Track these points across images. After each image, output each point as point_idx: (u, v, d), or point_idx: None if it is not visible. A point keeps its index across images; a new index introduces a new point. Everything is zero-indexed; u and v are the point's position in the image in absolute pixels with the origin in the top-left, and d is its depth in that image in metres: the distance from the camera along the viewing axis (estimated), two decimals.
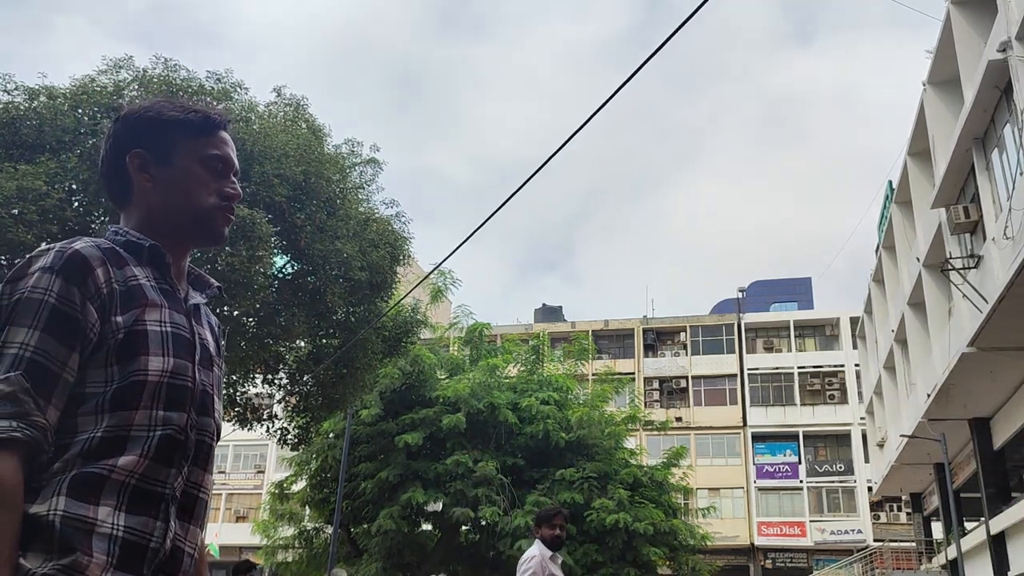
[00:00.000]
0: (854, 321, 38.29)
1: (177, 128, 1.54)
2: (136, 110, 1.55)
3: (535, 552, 4.99)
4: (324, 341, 14.85)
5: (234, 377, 14.77)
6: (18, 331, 1.28)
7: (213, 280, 1.64)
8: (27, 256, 1.37)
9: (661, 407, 42.95)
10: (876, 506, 39.83)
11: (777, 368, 43.64)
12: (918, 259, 20.53)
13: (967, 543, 21.02)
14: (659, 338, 46.33)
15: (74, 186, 11.48)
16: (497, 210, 9.59)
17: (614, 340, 46.40)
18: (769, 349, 44.40)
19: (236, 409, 15.34)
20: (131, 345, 1.37)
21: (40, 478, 1.28)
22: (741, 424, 43.02)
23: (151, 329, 1.41)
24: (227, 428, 17.01)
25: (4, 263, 11.50)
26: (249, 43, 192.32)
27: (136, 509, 1.33)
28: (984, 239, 15.73)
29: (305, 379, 15.08)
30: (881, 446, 29.12)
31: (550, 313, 50.00)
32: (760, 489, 41.73)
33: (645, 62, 7.25)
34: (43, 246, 1.37)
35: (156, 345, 1.40)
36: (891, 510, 39.74)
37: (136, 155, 1.52)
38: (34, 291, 1.31)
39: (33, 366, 1.27)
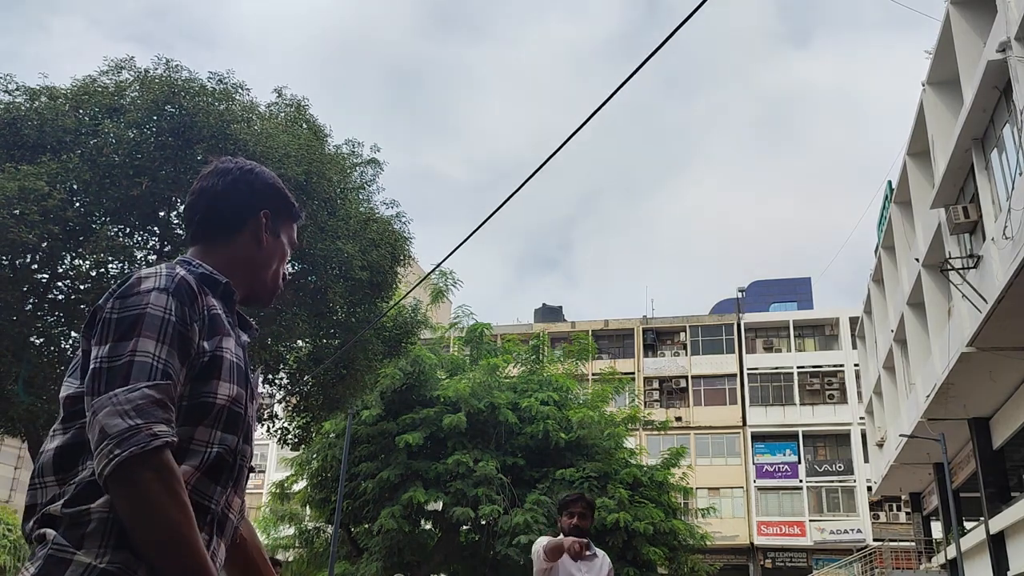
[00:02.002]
0: (854, 321, 38.31)
1: (291, 211, 1.75)
2: (268, 175, 1.73)
3: (544, 540, 4.55)
4: (325, 341, 14.87)
5: None
6: (148, 342, 1.35)
7: (252, 321, 1.73)
8: (132, 276, 1.44)
9: (661, 407, 42.99)
10: (876, 506, 39.85)
11: (777, 368, 43.66)
12: (917, 259, 20.55)
13: (966, 543, 21.04)
14: (659, 338, 46.36)
15: (75, 186, 11.49)
16: (497, 210, 9.62)
17: (614, 340, 46.42)
18: (769, 349, 44.42)
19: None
20: (210, 369, 1.47)
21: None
22: (741, 424, 43.05)
23: (226, 357, 1.51)
24: None
25: (5, 263, 11.52)
26: (248, 44, 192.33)
27: (215, 533, 1.47)
28: (983, 239, 15.75)
29: (306, 379, 15.10)
30: (881, 446, 29.14)
31: (550, 313, 50.02)
32: (760, 489, 41.75)
33: (645, 62, 7.27)
34: (145, 269, 1.45)
35: (227, 372, 1.50)
36: (891, 510, 39.76)
37: (267, 215, 1.68)
38: (155, 308, 1.38)
39: (166, 377, 1.36)
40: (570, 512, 4.56)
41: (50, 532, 1.31)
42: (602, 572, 4.50)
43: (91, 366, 1.35)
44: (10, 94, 11.83)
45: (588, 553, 4.50)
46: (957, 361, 16.44)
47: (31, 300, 12.16)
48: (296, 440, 16.47)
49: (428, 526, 22.19)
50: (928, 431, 20.51)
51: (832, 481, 41.34)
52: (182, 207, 13.30)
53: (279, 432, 16.08)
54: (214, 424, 1.46)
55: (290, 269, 13.63)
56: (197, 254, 1.62)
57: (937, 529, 28.39)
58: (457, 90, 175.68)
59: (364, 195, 14.81)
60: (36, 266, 12.06)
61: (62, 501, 1.33)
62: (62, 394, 1.45)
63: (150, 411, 1.30)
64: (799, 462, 41.90)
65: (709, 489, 40.47)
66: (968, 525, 22.52)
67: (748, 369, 43.90)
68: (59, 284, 12.51)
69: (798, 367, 43.36)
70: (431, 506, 20.42)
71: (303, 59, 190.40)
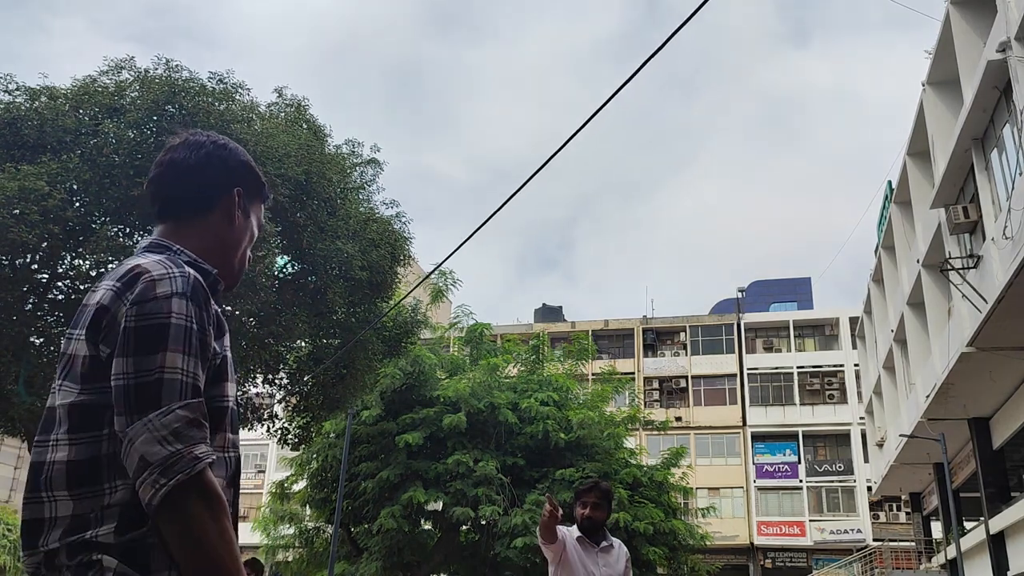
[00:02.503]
0: (853, 321, 38.33)
1: (259, 189, 1.67)
2: (241, 152, 1.64)
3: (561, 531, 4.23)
4: (325, 341, 14.87)
5: (235, 377, 14.78)
6: (175, 356, 1.30)
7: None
8: (140, 278, 1.35)
9: (661, 407, 43.00)
10: (875, 506, 39.87)
11: (777, 368, 43.68)
12: (917, 259, 20.56)
13: (966, 543, 21.04)
14: (659, 338, 46.37)
15: (75, 186, 11.49)
16: (497, 210, 9.63)
17: (614, 340, 46.44)
18: (769, 349, 44.44)
19: (237, 409, 15.34)
20: (222, 371, 1.44)
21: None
22: (741, 424, 43.06)
23: (228, 356, 1.48)
24: None
25: (5, 263, 11.52)
26: (248, 44, 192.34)
27: None
28: (983, 239, 15.75)
29: (306, 379, 15.10)
30: (880, 446, 29.15)
31: (550, 313, 50.04)
32: (760, 489, 41.76)
33: (645, 62, 7.27)
34: (157, 271, 1.36)
35: (232, 371, 1.48)
36: (891, 510, 39.78)
37: (240, 193, 1.60)
38: (178, 317, 1.32)
39: (198, 392, 1.32)
40: (583, 502, 4.32)
41: (109, 559, 1.26)
42: (619, 563, 4.28)
43: (116, 382, 1.29)
44: (10, 94, 11.83)
45: (605, 544, 4.28)
46: (957, 361, 16.44)
47: (31, 300, 12.16)
48: (296, 440, 16.47)
49: (428, 526, 22.20)
50: (928, 431, 20.51)
51: (832, 481, 41.35)
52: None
53: (279, 432, 16.08)
54: (229, 428, 1.45)
55: (290, 269, 13.68)
56: (168, 234, 1.53)
57: (937, 529, 28.40)
58: (457, 90, 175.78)
59: (364, 195, 14.82)
60: (36, 266, 12.06)
61: (112, 527, 1.27)
62: (61, 400, 1.35)
63: (188, 434, 1.27)
64: (799, 462, 41.92)
65: (709, 489, 40.49)
66: (968, 525, 22.52)
67: (748, 369, 43.92)
68: (59, 284, 12.51)
69: (798, 367, 43.37)
70: (431, 506, 20.43)
71: (303, 59, 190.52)
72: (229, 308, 12.76)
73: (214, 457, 1.31)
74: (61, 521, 1.29)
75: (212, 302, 1.43)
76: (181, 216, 1.55)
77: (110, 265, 12.13)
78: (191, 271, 1.40)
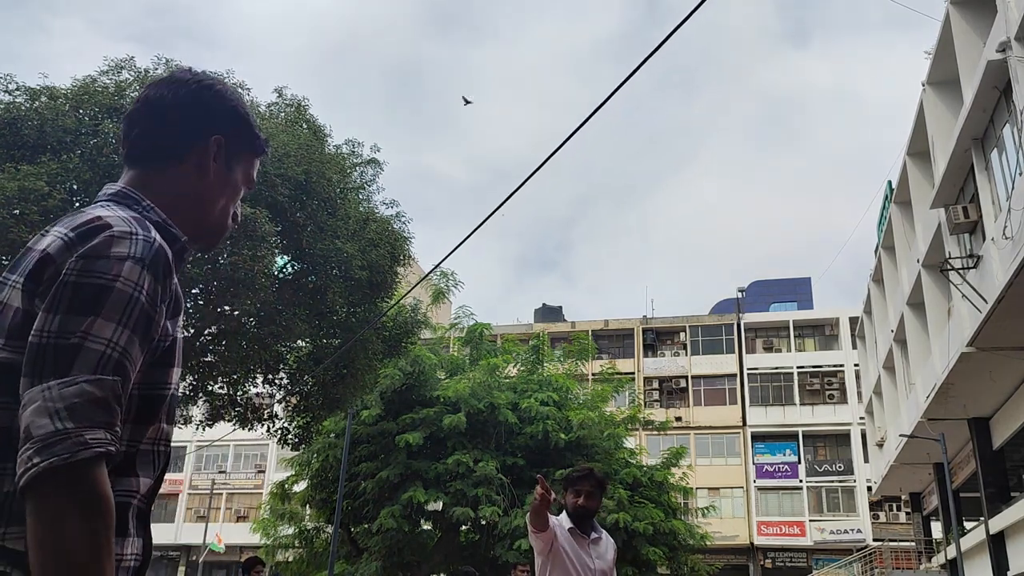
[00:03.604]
0: (853, 321, 38.33)
1: (251, 141, 1.47)
2: (230, 95, 1.44)
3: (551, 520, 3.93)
4: (324, 341, 14.88)
5: (235, 377, 14.80)
6: (106, 326, 1.11)
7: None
8: (101, 232, 1.17)
9: (661, 407, 43.00)
10: (875, 506, 39.87)
11: (777, 368, 43.68)
12: (917, 259, 20.56)
13: (966, 543, 21.05)
14: (659, 338, 46.37)
15: (75, 186, 11.50)
16: (496, 210, 9.63)
17: (614, 340, 46.44)
18: (769, 349, 44.44)
19: (237, 409, 15.36)
20: (169, 355, 1.27)
21: None
22: (741, 424, 43.06)
23: (179, 338, 1.31)
24: (228, 428, 17.08)
25: (5, 263, 11.53)
26: (248, 44, 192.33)
27: (141, 532, 1.24)
28: (983, 239, 15.75)
29: (306, 379, 15.11)
30: (880, 446, 29.16)
31: (550, 313, 50.05)
32: (760, 489, 41.77)
33: (644, 62, 7.28)
34: (120, 227, 1.18)
35: (180, 356, 1.31)
36: (891, 510, 39.78)
37: (218, 142, 1.40)
38: (125, 283, 1.14)
39: (120, 370, 1.12)
40: (576, 490, 4.07)
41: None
42: (608, 554, 4.12)
43: (32, 338, 1.10)
44: (10, 94, 11.84)
45: (595, 535, 4.09)
46: (957, 361, 16.44)
47: None
48: (296, 440, 16.47)
49: (428, 526, 22.20)
50: (928, 431, 20.52)
51: (832, 481, 41.36)
52: None
53: (279, 432, 16.08)
54: (164, 419, 1.27)
55: (290, 269, 13.69)
56: (136, 182, 1.36)
57: (937, 529, 28.40)
58: (457, 90, 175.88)
59: (364, 195, 14.83)
60: None
61: (22, 529, 1.07)
62: None
63: (86, 413, 1.06)
64: (799, 462, 41.92)
65: (709, 489, 40.49)
66: (968, 525, 22.53)
67: (748, 369, 43.92)
68: None
69: (798, 367, 43.38)
70: (431, 506, 20.43)
71: (303, 59, 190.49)
72: (228, 308, 12.77)
73: (112, 448, 1.08)
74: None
75: (173, 276, 1.25)
76: (148, 163, 1.38)
77: None
78: (157, 237, 1.22)
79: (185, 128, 1.38)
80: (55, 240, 1.18)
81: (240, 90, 12.86)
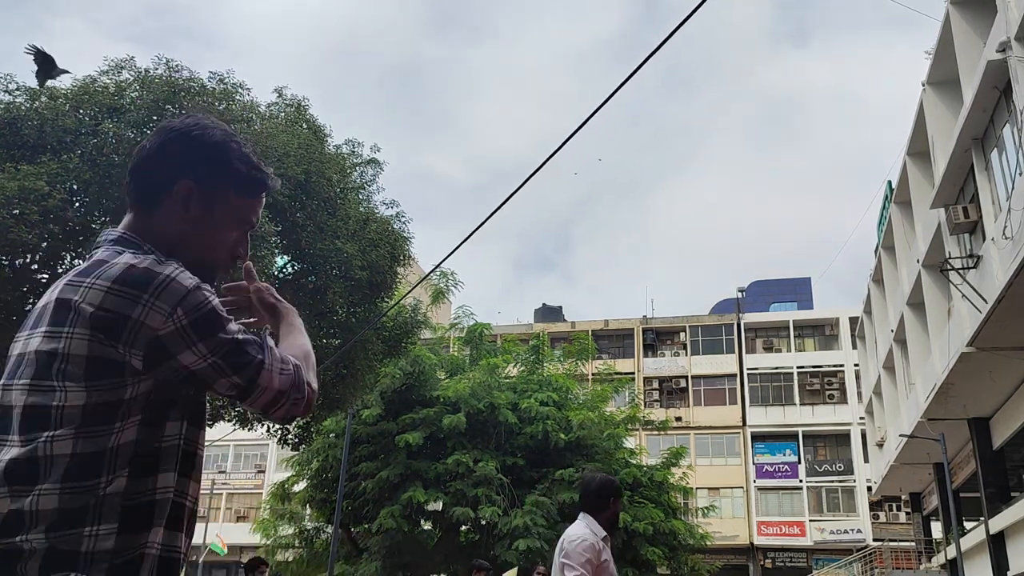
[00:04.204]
0: (853, 321, 38.33)
1: (236, 180, 1.56)
2: (209, 138, 1.55)
3: (585, 532, 3.89)
4: (324, 341, 14.88)
5: None
6: (231, 324, 1.41)
7: None
8: (162, 280, 1.37)
9: (661, 407, 43.00)
10: (875, 506, 39.87)
11: (777, 368, 43.68)
12: (917, 259, 20.56)
13: (966, 543, 21.04)
14: (659, 338, 46.37)
15: (75, 186, 11.50)
16: (496, 210, 9.63)
17: (614, 340, 46.44)
18: (769, 349, 44.44)
19: (237, 409, 15.37)
20: None
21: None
22: (741, 424, 43.06)
23: None
24: (227, 428, 17.08)
25: (5, 263, 11.53)
26: (247, 44, 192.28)
27: (170, 525, 1.46)
28: (983, 239, 15.75)
29: None
30: (880, 446, 29.16)
31: (550, 313, 50.05)
32: (760, 489, 41.77)
33: (644, 62, 7.28)
34: (167, 270, 1.38)
35: None
36: (890, 510, 39.78)
37: (187, 187, 1.51)
38: (211, 297, 1.41)
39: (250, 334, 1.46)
40: (619, 500, 4.16)
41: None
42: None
43: (198, 366, 1.37)
44: (10, 94, 11.84)
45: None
46: (957, 361, 16.44)
47: (31, 300, 12.17)
48: (296, 440, 16.48)
49: (428, 526, 22.20)
50: (928, 431, 20.51)
51: (832, 481, 41.36)
52: None
53: (279, 432, 16.09)
54: (191, 421, 1.51)
55: (290, 269, 13.69)
56: (131, 226, 1.52)
57: (937, 529, 28.41)
58: (457, 90, 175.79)
59: (364, 195, 14.83)
60: (36, 266, 12.07)
61: (113, 526, 1.30)
62: (70, 402, 1.33)
63: (282, 356, 1.47)
64: (799, 462, 41.92)
65: (709, 489, 40.49)
66: (968, 525, 22.53)
67: (748, 369, 43.92)
68: None
69: (798, 367, 43.38)
70: (431, 506, 20.43)
71: (303, 59, 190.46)
72: None
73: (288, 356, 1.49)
74: (45, 515, 1.27)
75: None
76: (140, 208, 1.53)
77: None
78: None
79: (157, 176, 1.51)
80: (105, 296, 1.34)
81: (240, 90, 12.87)
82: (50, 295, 1.41)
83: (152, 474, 1.36)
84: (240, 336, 1.41)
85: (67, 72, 10.32)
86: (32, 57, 9.75)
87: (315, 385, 1.52)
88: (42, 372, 1.34)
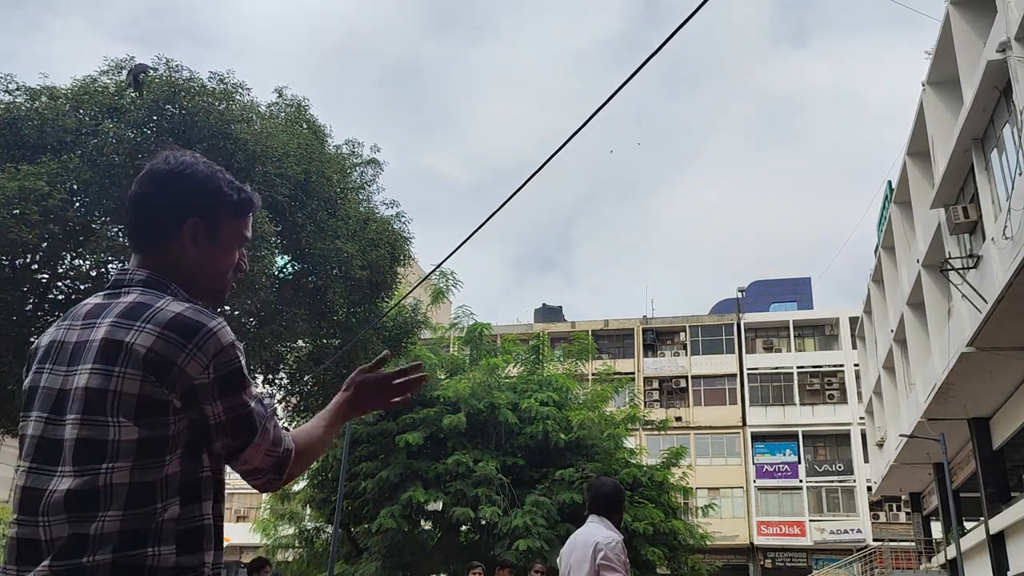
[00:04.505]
0: (853, 321, 38.33)
1: (231, 207, 1.68)
2: (200, 175, 1.65)
3: (615, 534, 4.04)
4: (324, 341, 14.88)
5: None
6: (250, 389, 1.57)
7: None
8: (205, 332, 1.51)
9: (661, 407, 42.99)
10: (875, 506, 39.87)
11: (777, 368, 43.68)
12: (917, 259, 20.56)
13: (966, 543, 21.05)
14: (659, 338, 46.37)
15: (75, 186, 11.50)
16: (497, 210, 9.63)
17: (614, 340, 46.44)
18: (769, 349, 44.43)
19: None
20: None
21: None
22: (741, 424, 43.06)
23: None
24: None
25: (5, 263, 11.52)
26: (247, 44, 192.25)
27: (219, 545, 1.64)
28: (983, 239, 15.75)
29: (306, 379, 15.12)
30: (880, 446, 29.16)
31: (550, 313, 50.04)
32: (760, 489, 41.77)
33: (645, 62, 7.28)
34: (211, 323, 1.53)
35: None
36: (890, 510, 39.78)
37: (193, 224, 1.63)
38: (240, 359, 1.55)
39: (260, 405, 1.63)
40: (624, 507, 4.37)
41: None
42: None
43: (214, 421, 1.51)
44: (10, 94, 11.84)
45: None
46: (957, 361, 16.44)
47: (31, 300, 12.17)
48: None
49: (428, 526, 22.19)
50: (928, 431, 20.52)
51: (832, 481, 41.36)
52: None
53: None
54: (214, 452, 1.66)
55: (290, 269, 13.69)
56: (149, 265, 1.62)
57: (937, 529, 28.41)
58: (457, 90, 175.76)
59: (364, 195, 14.84)
60: (36, 266, 12.07)
61: (172, 548, 1.45)
62: (124, 436, 1.44)
63: (278, 435, 1.59)
64: (799, 462, 41.92)
65: (709, 489, 40.48)
66: (968, 525, 22.53)
67: (748, 369, 43.92)
68: (59, 284, 12.51)
69: (798, 367, 43.38)
70: (431, 506, 20.41)
71: (303, 59, 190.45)
72: (228, 308, 12.76)
73: (289, 431, 1.64)
74: (109, 538, 1.41)
75: None
76: (150, 249, 1.63)
77: (110, 265, 12.12)
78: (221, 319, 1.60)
79: (162, 219, 1.62)
80: (159, 340, 1.47)
81: (240, 90, 12.87)
82: (89, 333, 1.52)
83: (197, 502, 1.50)
84: (252, 404, 1.55)
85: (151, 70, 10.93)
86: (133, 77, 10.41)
87: (296, 473, 1.65)
88: (94, 408, 1.45)
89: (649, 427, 28.90)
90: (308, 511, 23.97)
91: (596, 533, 4.06)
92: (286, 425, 16.28)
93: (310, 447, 1.68)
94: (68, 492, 1.41)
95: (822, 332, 44.64)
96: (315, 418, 1.76)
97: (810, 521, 40.47)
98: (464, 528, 21.33)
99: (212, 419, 1.50)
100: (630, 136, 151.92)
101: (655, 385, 44.98)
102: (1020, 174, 13.52)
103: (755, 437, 42.74)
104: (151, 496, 1.44)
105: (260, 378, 15.24)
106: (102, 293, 1.60)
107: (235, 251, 1.70)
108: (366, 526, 21.58)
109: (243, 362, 1.55)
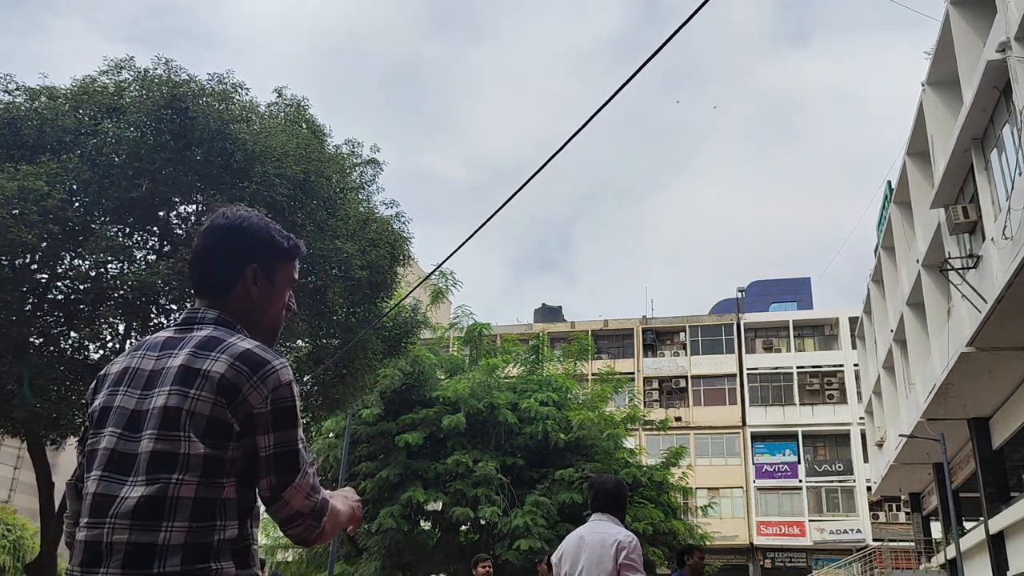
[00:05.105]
0: (853, 321, 38.32)
1: (282, 254, 1.89)
2: (256, 227, 1.86)
3: (631, 534, 4.02)
4: (324, 341, 14.87)
5: None
6: (299, 430, 1.69)
7: None
8: (267, 367, 1.67)
9: (661, 407, 42.98)
10: (875, 506, 39.87)
11: (776, 368, 43.67)
12: (917, 260, 20.55)
13: (966, 543, 21.04)
14: (658, 338, 46.36)
15: (75, 186, 11.49)
16: (497, 211, 9.62)
17: (613, 340, 46.43)
18: (768, 349, 44.43)
19: None
20: None
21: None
22: (740, 424, 43.06)
23: None
24: None
25: (5, 263, 11.52)
26: (247, 44, 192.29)
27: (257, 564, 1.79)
28: (983, 239, 15.75)
29: (305, 379, 15.10)
30: (880, 446, 29.15)
31: (550, 313, 50.03)
32: (759, 489, 41.76)
33: (645, 63, 7.28)
34: (275, 361, 1.69)
35: None
36: (890, 510, 39.78)
37: (253, 270, 1.83)
38: (295, 400, 1.70)
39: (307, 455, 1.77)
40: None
41: None
42: None
43: (263, 452, 1.64)
44: (10, 94, 11.84)
45: None
46: (957, 361, 16.43)
47: (31, 300, 12.16)
48: None
49: (427, 526, 22.20)
50: (928, 431, 20.51)
51: (832, 481, 41.36)
52: (182, 207, 13.32)
53: None
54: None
55: None
56: (216, 306, 1.81)
57: (937, 529, 28.39)
58: (457, 90, 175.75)
59: (363, 195, 14.83)
60: (36, 266, 12.06)
61: (231, 562, 1.60)
62: (193, 451, 1.59)
63: (317, 484, 1.70)
64: (799, 462, 41.92)
65: (709, 489, 40.48)
66: (968, 525, 22.52)
67: (748, 369, 43.91)
68: (59, 284, 12.50)
69: (798, 367, 43.37)
70: (431, 506, 20.42)
71: (303, 59, 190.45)
72: None
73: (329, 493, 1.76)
74: (175, 549, 1.55)
75: None
76: (212, 294, 1.82)
77: (110, 265, 12.11)
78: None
79: (225, 269, 1.82)
80: (230, 368, 1.64)
81: (239, 90, 12.86)
82: (166, 361, 1.69)
83: (248, 527, 1.65)
84: (299, 445, 1.68)
85: None
86: None
87: (328, 533, 1.74)
88: (170, 424, 1.61)
89: (649, 427, 28.90)
90: None
91: (613, 531, 3.97)
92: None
93: (335, 512, 1.77)
94: (139, 499, 1.55)
95: (822, 332, 44.65)
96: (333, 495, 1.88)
97: (810, 521, 40.47)
98: (464, 528, 21.34)
99: (262, 451, 1.64)
100: (630, 137, 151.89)
101: (655, 385, 44.98)
102: (1020, 174, 13.52)
103: (755, 437, 42.73)
104: (212, 513, 1.58)
105: None
106: (173, 328, 1.78)
107: (287, 292, 1.90)
108: (366, 526, 21.57)
109: (297, 403, 1.69)
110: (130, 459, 1.60)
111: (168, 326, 1.83)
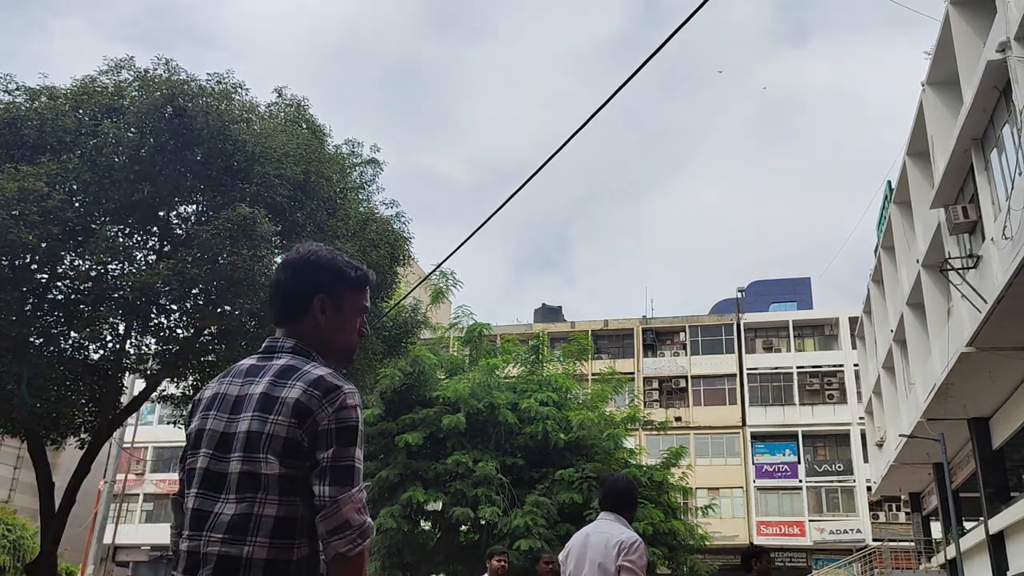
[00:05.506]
0: (853, 321, 38.31)
1: (350, 283, 2.04)
2: (323, 260, 2.02)
3: (635, 535, 3.97)
4: None
5: None
6: (358, 451, 1.84)
7: None
8: (337, 391, 1.83)
9: (660, 407, 42.98)
10: (875, 506, 39.86)
11: (776, 368, 43.66)
12: (917, 260, 20.55)
13: (966, 543, 21.04)
14: (658, 338, 46.36)
15: (75, 187, 11.49)
16: (496, 211, 9.63)
17: (613, 340, 46.43)
18: (768, 349, 44.43)
19: None
20: None
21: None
22: (740, 424, 43.06)
23: None
24: None
25: (5, 263, 11.52)
26: (247, 44, 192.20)
27: None
28: (983, 239, 15.75)
29: None
30: (880, 446, 29.15)
31: (550, 313, 50.02)
32: (759, 489, 41.76)
33: (645, 63, 7.28)
34: (345, 386, 1.86)
35: None
36: (890, 510, 39.77)
37: (321, 299, 1.99)
38: (359, 423, 1.86)
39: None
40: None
41: None
42: None
43: (324, 463, 1.77)
44: (10, 94, 11.83)
45: None
46: (957, 361, 16.43)
47: (31, 300, 12.15)
48: None
49: (427, 526, 22.19)
50: (928, 431, 20.51)
51: (832, 481, 41.35)
52: (182, 208, 13.32)
53: None
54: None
55: None
56: (294, 335, 1.98)
57: (937, 529, 28.39)
58: (457, 90, 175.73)
59: (364, 195, 14.83)
60: (36, 266, 12.06)
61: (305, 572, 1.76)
62: (270, 471, 1.76)
63: (365, 507, 1.80)
64: (799, 462, 41.91)
65: (709, 489, 40.47)
66: (968, 525, 22.52)
67: (748, 369, 43.91)
68: (59, 284, 12.50)
69: (798, 367, 43.37)
70: (431, 506, 20.41)
71: (303, 59, 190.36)
72: (229, 308, 12.76)
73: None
74: (258, 563, 1.72)
75: None
76: (289, 322, 2.00)
77: (110, 265, 12.11)
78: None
79: (297, 300, 2.00)
80: (302, 393, 1.81)
81: (239, 90, 12.87)
82: (249, 388, 1.86)
83: (315, 543, 1.78)
84: (356, 464, 1.81)
85: None
86: None
87: (365, 559, 1.80)
88: (253, 447, 1.78)
89: (649, 427, 28.88)
90: None
91: (617, 532, 3.93)
92: None
93: (367, 553, 1.86)
94: (231, 516, 1.74)
95: (822, 332, 44.64)
96: None
97: (810, 521, 40.46)
98: (464, 528, 21.33)
99: (323, 460, 1.77)
100: (630, 136, 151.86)
101: (655, 385, 44.97)
102: (1020, 174, 13.52)
103: (755, 437, 42.73)
104: (291, 530, 1.75)
105: None
106: (256, 356, 1.96)
107: (356, 318, 2.05)
108: None
109: (360, 425, 1.84)
110: (222, 478, 1.79)
111: (253, 354, 2.01)
